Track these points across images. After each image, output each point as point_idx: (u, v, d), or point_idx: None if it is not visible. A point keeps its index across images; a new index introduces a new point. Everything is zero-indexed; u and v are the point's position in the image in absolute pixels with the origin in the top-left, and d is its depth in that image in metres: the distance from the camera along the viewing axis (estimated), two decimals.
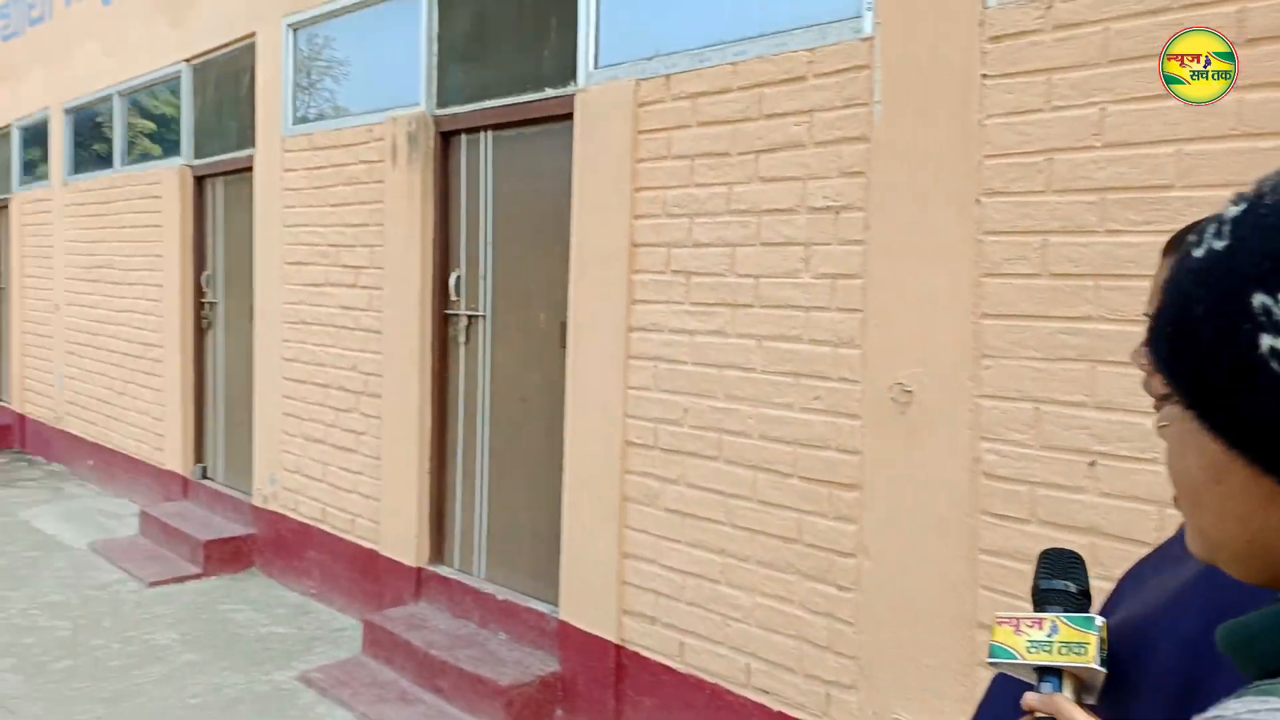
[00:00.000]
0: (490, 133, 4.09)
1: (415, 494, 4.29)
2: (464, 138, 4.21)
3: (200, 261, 6.00)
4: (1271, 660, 0.52)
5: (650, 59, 3.29)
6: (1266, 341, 0.47)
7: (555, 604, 3.67)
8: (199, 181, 5.95)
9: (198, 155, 5.94)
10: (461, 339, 4.25)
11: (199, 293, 6.01)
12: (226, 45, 5.54)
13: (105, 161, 7.12)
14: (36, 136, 8.31)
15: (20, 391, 8.62)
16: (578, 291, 3.55)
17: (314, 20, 4.87)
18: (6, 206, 8.88)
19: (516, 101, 3.90)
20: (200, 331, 6.03)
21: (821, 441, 2.78)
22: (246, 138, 5.42)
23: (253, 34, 5.24)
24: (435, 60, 4.25)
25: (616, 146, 3.36)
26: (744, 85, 2.99)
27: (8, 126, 8.71)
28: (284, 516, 5.12)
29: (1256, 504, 0.51)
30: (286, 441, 5.10)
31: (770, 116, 2.93)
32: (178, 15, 5.95)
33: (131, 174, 6.59)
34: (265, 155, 5.18)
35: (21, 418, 8.63)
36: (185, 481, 6.08)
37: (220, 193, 5.82)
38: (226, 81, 5.64)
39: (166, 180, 6.09)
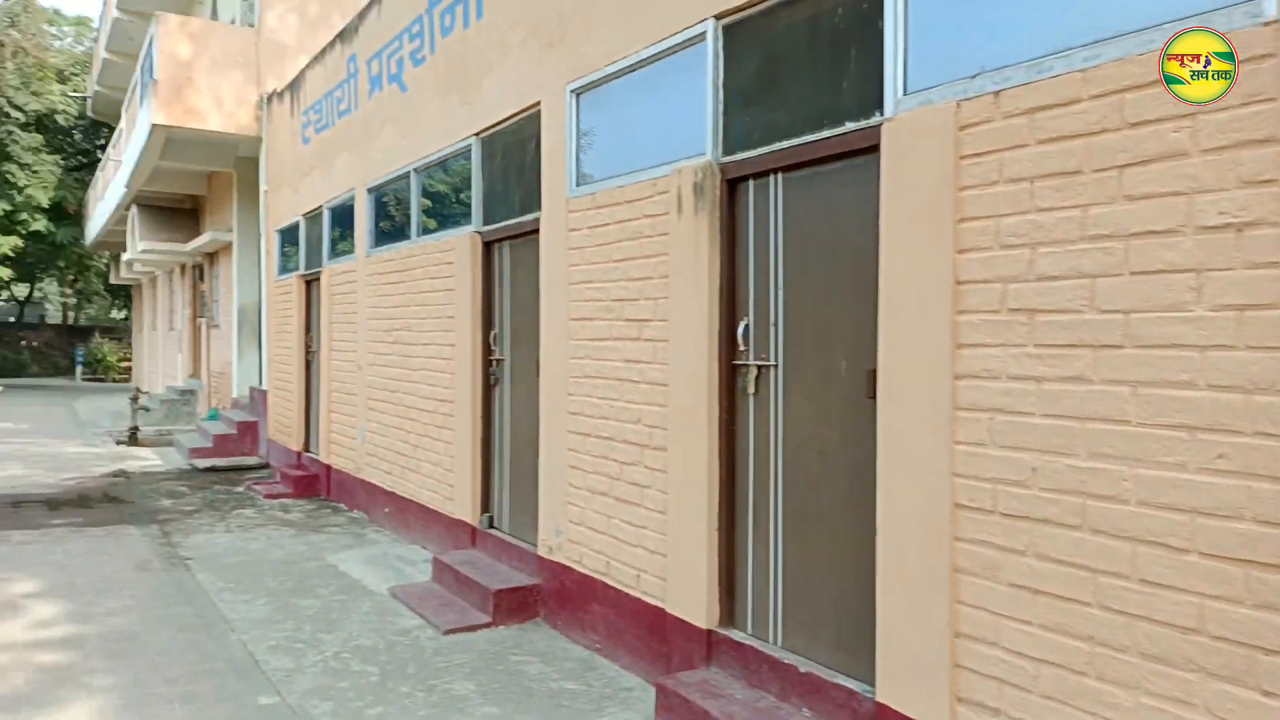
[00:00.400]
0: (780, 175, 3.93)
1: (704, 551, 4.13)
2: (751, 183, 4.08)
3: (489, 321, 6.32)
4: None
5: (974, 77, 2.98)
6: None
7: (868, 682, 3.33)
8: (487, 246, 6.30)
9: (486, 221, 6.30)
10: (750, 389, 4.07)
11: (487, 350, 6.32)
12: (512, 116, 5.85)
13: (400, 233, 7.78)
14: (342, 215, 9.31)
15: (327, 444, 9.55)
16: (888, 336, 3.25)
17: (596, 84, 5.00)
18: (319, 279, 9.99)
19: (810, 140, 3.71)
20: (488, 387, 6.33)
21: (1233, 510, 2.28)
22: (531, 202, 5.66)
23: (537, 103, 5.49)
24: (721, 107, 4.18)
25: (934, 176, 3.07)
26: (1099, 93, 2.60)
27: (320, 208, 9.84)
28: (568, 568, 5.16)
29: None
30: (571, 493, 5.15)
31: (1136, 125, 2.52)
32: (467, 94, 6.40)
33: (426, 243, 7.13)
34: (550, 217, 5.36)
35: (328, 468, 9.54)
36: (473, 530, 6.35)
37: (507, 255, 6.11)
38: (512, 151, 5.95)
39: (459, 247, 6.51)
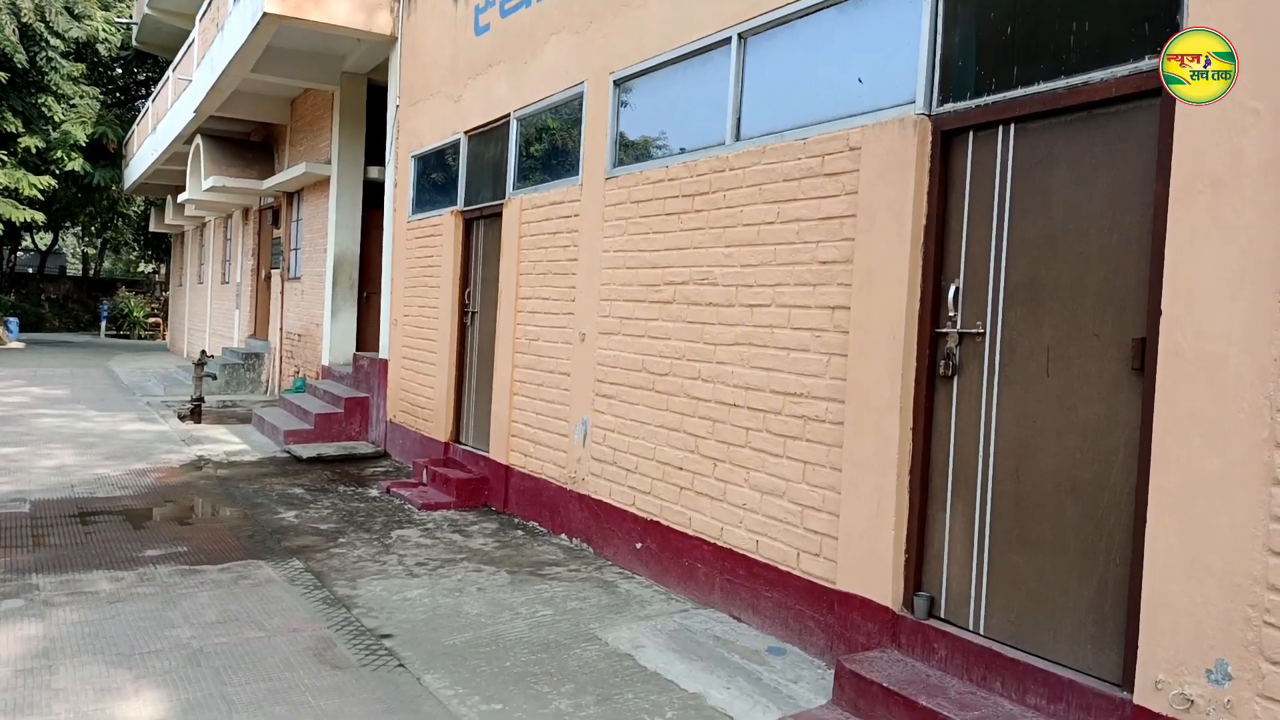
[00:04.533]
0: None
1: None
2: None
3: (938, 268, 3.73)
4: None
5: None
6: None
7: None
8: (947, 137, 3.68)
9: (946, 94, 3.68)
10: None
11: (933, 318, 3.73)
12: None
13: (688, 140, 5.18)
14: (549, 125, 6.72)
15: (504, 438, 7.00)
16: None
17: None
18: (496, 215, 7.41)
19: None
20: (930, 379, 3.74)
21: None
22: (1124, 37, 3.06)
23: None
24: None
25: None
26: None
27: (504, 119, 7.23)
28: None
29: None
30: (1266, 599, 2.59)
31: None
32: None
33: (769, 146, 4.51)
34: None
35: (506, 470, 7.00)
36: (893, 618, 3.78)
37: (1015, 145, 3.49)
38: None
39: (873, 142, 3.89)
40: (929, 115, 3.72)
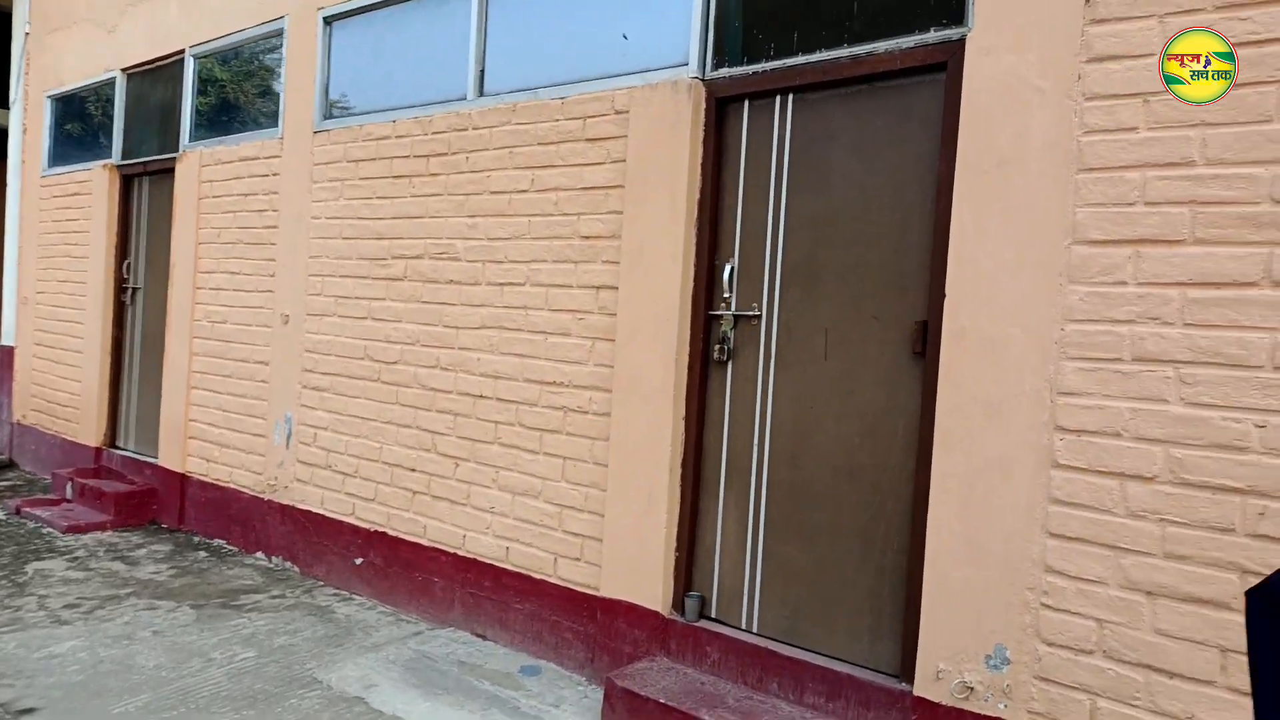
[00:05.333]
0: None
1: None
2: None
3: (714, 243, 3.47)
4: None
5: None
6: None
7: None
8: (719, 105, 3.42)
9: (722, 61, 3.41)
10: None
11: (708, 297, 3.48)
12: None
13: (431, 87, 4.52)
14: (235, 65, 5.65)
15: (180, 441, 5.83)
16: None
17: None
18: (166, 172, 6.13)
19: None
20: (705, 362, 3.49)
21: None
22: None
23: None
24: None
25: None
26: None
27: (177, 55, 6.00)
28: None
29: None
30: (1053, 587, 2.62)
31: None
32: None
33: (526, 103, 4.00)
34: None
35: (182, 479, 5.84)
36: (660, 623, 3.49)
37: (779, 120, 3.30)
38: None
39: (644, 104, 3.54)
40: (702, 80, 3.46)
